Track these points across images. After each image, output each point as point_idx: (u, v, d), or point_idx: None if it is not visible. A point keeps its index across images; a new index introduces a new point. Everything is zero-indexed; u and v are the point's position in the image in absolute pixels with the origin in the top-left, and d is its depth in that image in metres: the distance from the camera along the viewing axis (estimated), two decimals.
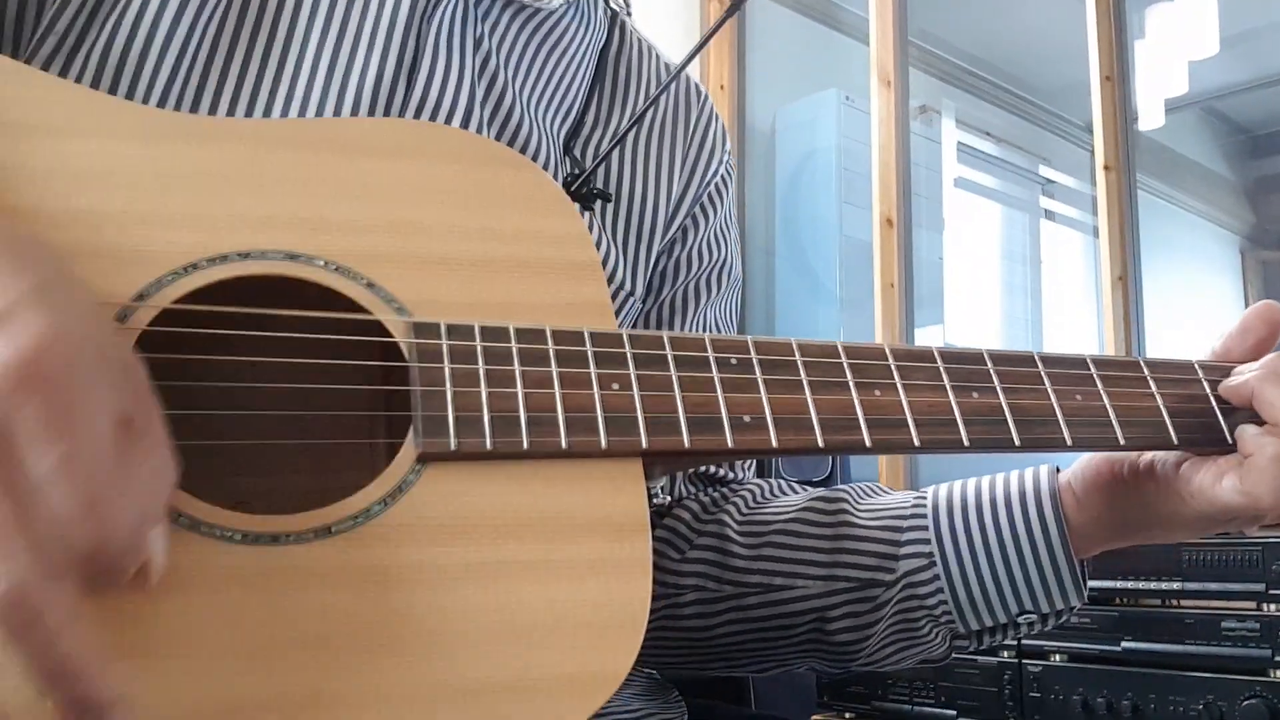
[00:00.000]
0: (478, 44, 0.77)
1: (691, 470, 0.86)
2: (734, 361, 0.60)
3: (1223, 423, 0.67)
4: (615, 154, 0.84)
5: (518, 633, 0.51)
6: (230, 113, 0.68)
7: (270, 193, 0.59)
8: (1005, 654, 1.79)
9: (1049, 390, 0.65)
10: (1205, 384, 0.69)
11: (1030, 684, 1.75)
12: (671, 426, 0.57)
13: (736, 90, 3.40)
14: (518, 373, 0.56)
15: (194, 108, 0.68)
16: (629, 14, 0.92)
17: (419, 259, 0.60)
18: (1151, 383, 0.68)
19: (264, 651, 0.47)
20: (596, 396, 0.57)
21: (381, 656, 0.49)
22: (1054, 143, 3.56)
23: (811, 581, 0.77)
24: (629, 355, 0.59)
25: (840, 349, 0.63)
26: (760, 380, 0.60)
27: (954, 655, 0.79)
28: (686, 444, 0.57)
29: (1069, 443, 0.64)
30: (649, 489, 0.57)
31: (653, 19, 2.97)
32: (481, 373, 0.55)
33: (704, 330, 0.88)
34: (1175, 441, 0.66)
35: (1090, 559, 0.75)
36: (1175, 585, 1.64)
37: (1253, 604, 1.55)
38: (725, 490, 0.86)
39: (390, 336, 0.56)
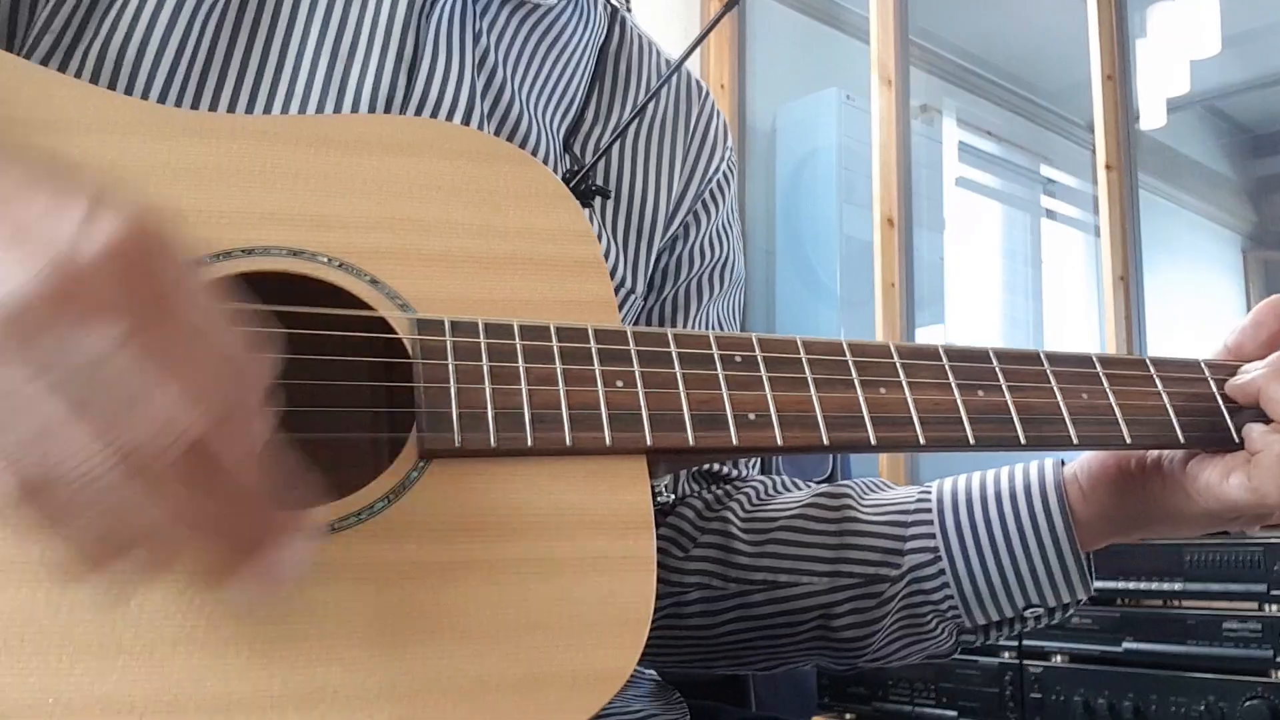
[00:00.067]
0: (476, 40, 0.77)
1: (695, 468, 0.86)
2: (738, 359, 0.60)
3: (1229, 421, 0.67)
4: (615, 151, 0.84)
5: (521, 630, 0.51)
6: (230, 111, 0.68)
7: (273, 189, 0.59)
8: (1006, 655, 1.79)
9: (1055, 389, 0.65)
10: (1211, 382, 0.68)
11: (1031, 685, 1.75)
12: (676, 424, 0.57)
13: (736, 89, 3.40)
14: (522, 369, 0.56)
15: (194, 106, 0.67)
16: (629, 10, 0.91)
17: (422, 255, 0.60)
18: (1158, 381, 0.68)
19: (267, 647, 0.47)
20: (601, 394, 0.56)
21: (384, 653, 0.48)
22: (1055, 142, 3.56)
23: (816, 578, 0.77)
24: (633, 352, 0.58)
25: (845, 346, 0.63)
26: (765, 378, 0.60)
27: (958, 652, 0.79)
28: (691, 441, 0.57)
29: (1075, 441, 0.64)
30: (653, 487, 0.57)
31: (653, 19, 2.97)
32: (486, 369, 0.55)
33: (707, 328, 0.88)
34: (1182, 440, 0.66)
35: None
36: (1177, 586, 1.64)
37: (1254, 605, 1.56)
38: (729, 487, 0.86)
39: (394, 333, 0.56)
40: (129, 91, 0.66)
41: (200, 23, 0.69)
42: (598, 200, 0.80)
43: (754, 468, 0.91)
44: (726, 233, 0.91)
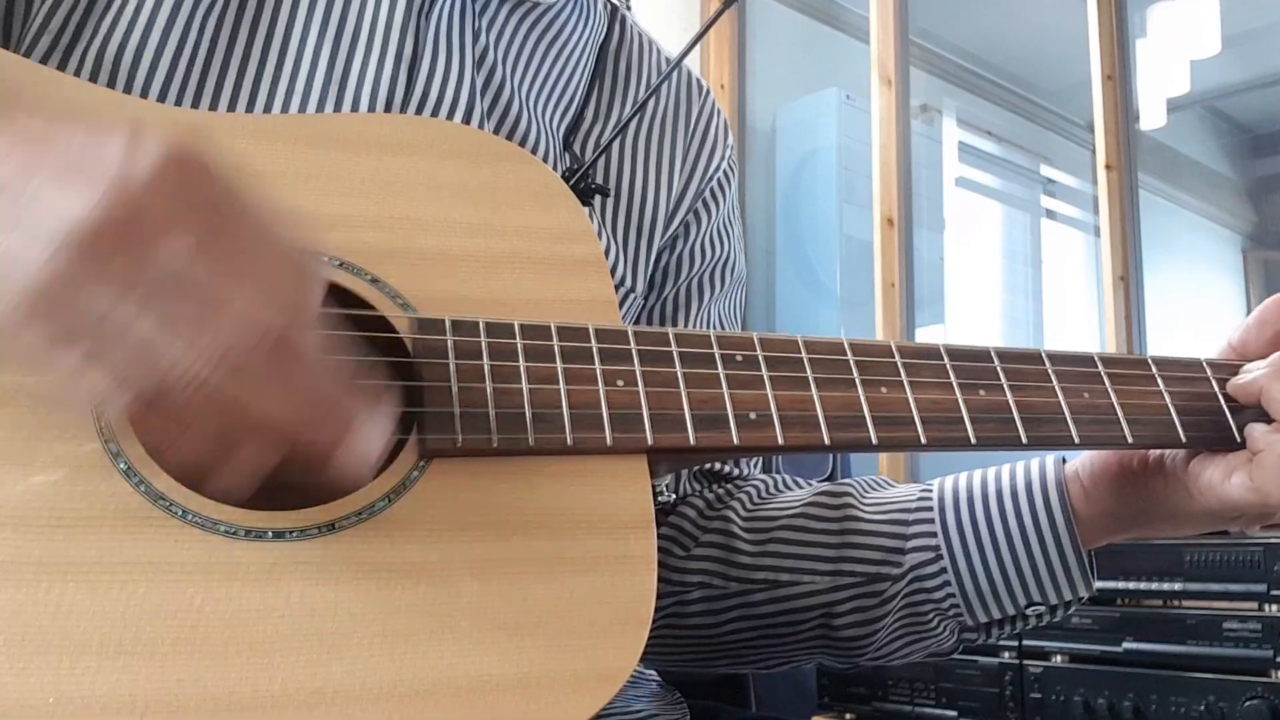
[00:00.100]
0: (476, 39, 0.77)
1: (696, 467, 0.86)
2: (739, 358, 0.60)
3: (1231, 421, 0.67)
4: (615, 149, 0.83)
5: (522, 630, 0.51)
6: (230, 110, 0.68)
7: (274, 188, 0.59)
8: (1006, 655, 1.79)
9: (1056, 388, 0.65)
10: (1213, 382, 0.68)
11: (1031, 685, 1.75)
12: (677, 423, 0.57)
13: (737, 89, 3.40)
14: (523, 369, 0.56)
15: (194, 105, 0.67)
16: (629, 8, 0.91)
17: (423, 255, 0.60)
18: (1159, 381, 0.67)
19: (267, 646, 0.47)
20: (602, 393, 0.56)
21: (384, 653, 0.48)
22: (1055, 142, 3.56)
23: (818, 577, 0.77)
24: (634, 352, 0.58)
25: (846, 346, 0.62)
26: (766, 377, 0.60)
27: (958, 653, 0.79)
28: (692, 441, 0.57)
29: (1076, 441, 0.64)
30: (654, 486, 0.57)
31: (653, 18, 2.96)
32: (487, 369, 0.55)
33: (708, 327, 0.87)
34: (1184, 440, 0.66)
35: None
36: (1177, 586, 1.64)
37: (1254, 605, 1.55)
38: (730, 486, 0.86)
39: (395, 332, 0.56)
40: (128, 91, 0.66)
41: (199, 22, 0.69)
42: (597, 198, 0.80)
43: (756, 466, 0.91)
44: (727, 231, 0.90)
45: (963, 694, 1.83)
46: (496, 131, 0.76)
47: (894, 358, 0.63)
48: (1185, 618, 1.61)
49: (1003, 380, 0.64)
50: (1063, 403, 0.64)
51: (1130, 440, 0.65)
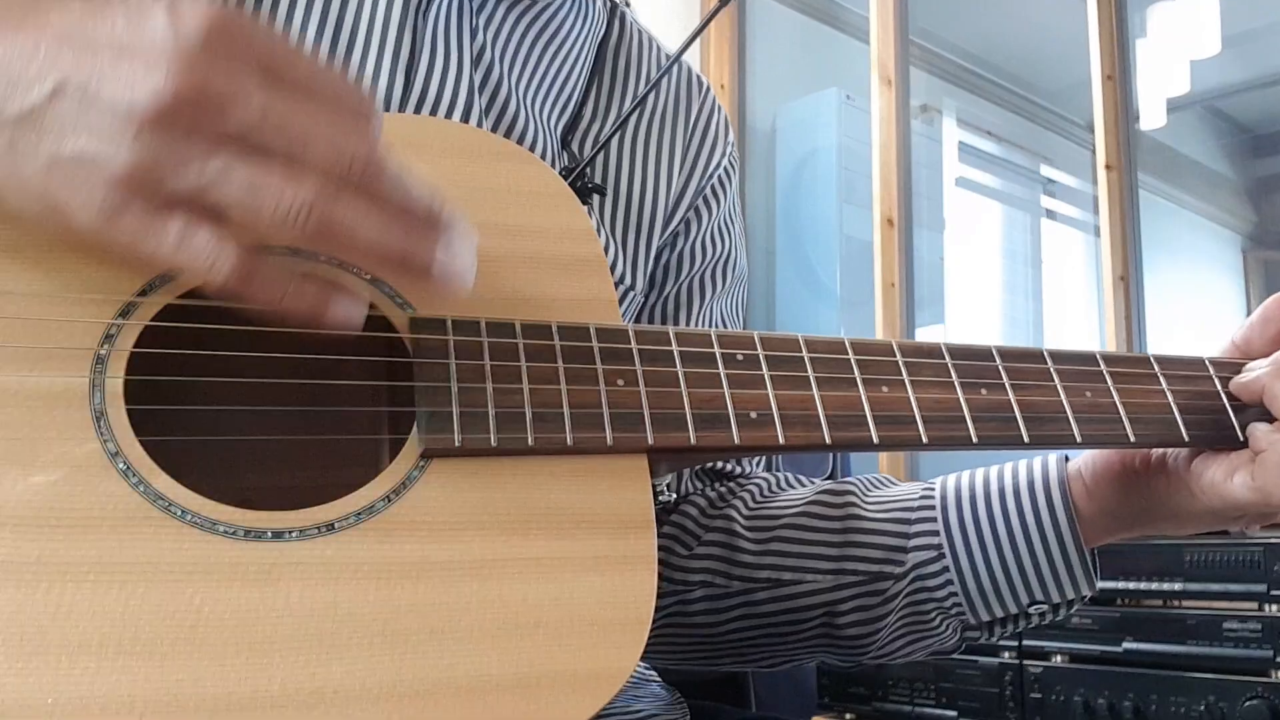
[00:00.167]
0: (473, 37, 0.77)
1: (697, 466, 0.86)
2: (740, 357, 0.60)
3: (1234, 420, 0.67)
4: (615, 146, 0.83)
5: (522, 629, 0.50)
6: None
7: None
8: (1006, 655, 1.78)
9: (1058, 387, 0.65)
10: (1216, 381, 0.68)
11: (1031, 685, 1.75)
12: (677, 423, 0.57)
13: (736, 89, 3.40)
14: (523, 368, 0.56)
15: None
16: (628, 4, 0.91)
17: None
18: (1162, 379, 0.67)
19: (266, 647, 0.47)
20: (602, 392, 0.56)
21: (384, 653, 0.48)
22: (1055, 142, 3.56)
23: (820, 575, 0.77)
24: (635, 351, 0.58)
25: (847, 345, 0.62)
26: (767, 376, 0.60)
27: (958, 653, 0.79)
28: (692, 440, 0.57)
29: (1078, 440, 0.64)
30: (655, 485, 0.57)
31: (653, 18, 2.96)
32: (487, 368, 0.55)
33: (710, 326, 0.87)
34: (1186, 439, 0.66)
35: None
36: (1177, 586, 1.64)
37: (1254, 605, 1.55)
38: (732, 485, 0.86)
39: (395, 332, 0.56)
40: None
41: None
42: (595, 197, 0.80)
43: (758, 465, 0.91)
44: (728, 229, 0.90)
45: (963, 694, 1.83)
46: (494, 130, 0.76)
47: (895, 357, 0.63)
48: (1185, 618, 1.61)
49: (1004, 379, 0.64)
50: (1065, 402, 0.64)
51: (1133, 439, 0.65)
